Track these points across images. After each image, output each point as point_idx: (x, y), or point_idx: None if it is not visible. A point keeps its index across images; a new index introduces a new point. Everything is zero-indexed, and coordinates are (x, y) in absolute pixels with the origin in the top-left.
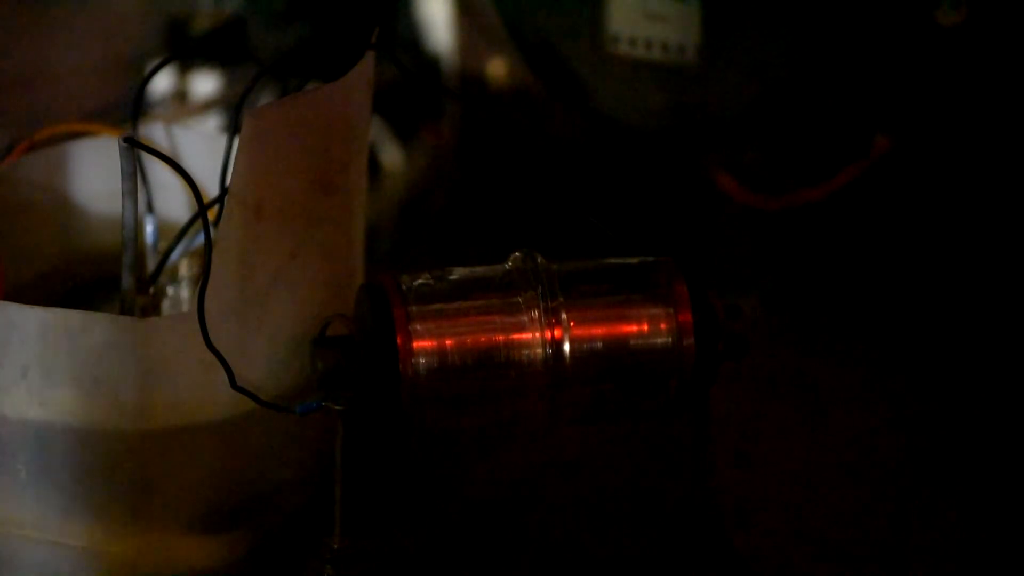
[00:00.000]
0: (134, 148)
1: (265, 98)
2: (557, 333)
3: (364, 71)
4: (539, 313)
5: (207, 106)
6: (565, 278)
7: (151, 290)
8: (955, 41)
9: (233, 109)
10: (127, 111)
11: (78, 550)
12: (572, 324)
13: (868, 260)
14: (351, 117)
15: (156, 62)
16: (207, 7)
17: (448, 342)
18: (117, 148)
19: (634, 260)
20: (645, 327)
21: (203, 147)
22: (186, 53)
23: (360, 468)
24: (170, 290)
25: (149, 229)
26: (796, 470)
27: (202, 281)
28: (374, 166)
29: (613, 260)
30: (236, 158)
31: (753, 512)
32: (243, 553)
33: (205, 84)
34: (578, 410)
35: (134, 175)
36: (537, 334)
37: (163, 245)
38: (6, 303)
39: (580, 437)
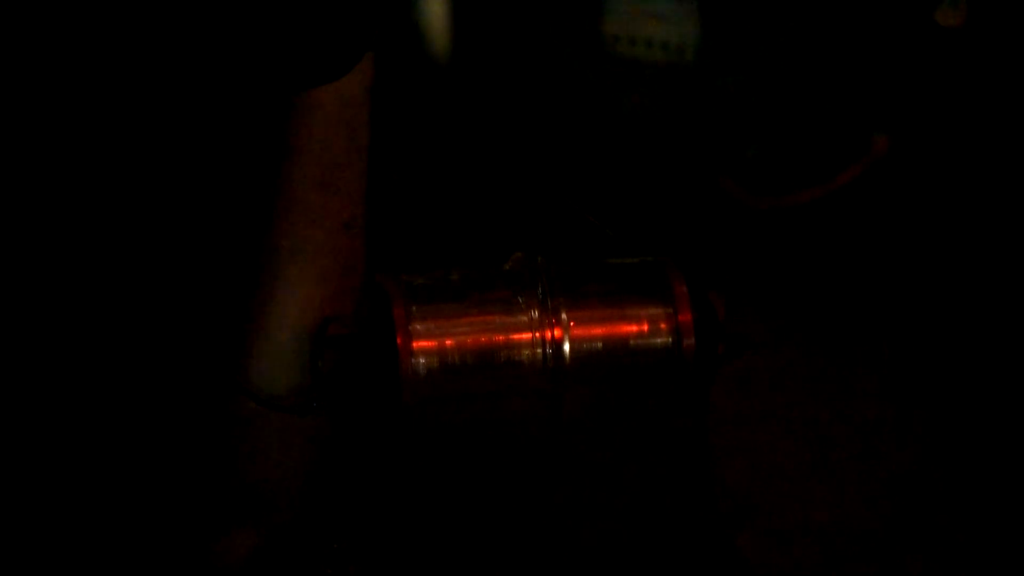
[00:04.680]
0: None
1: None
2: (557, 333)
3: (363, 72)
4: (539, 313)
5: None
6: (565, 278)
7: None
8: (954, 41)
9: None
10: None
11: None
12: (572, 324)
13: (868, 259)
14: (350, 117)
15: None
16: None
17: (448, 342)
18: None
19: (634, 260)
20: (645, 327)
21: None
22: None
23: (360, 468)
24: None
25: None
26: (797, 469)
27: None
28: None
29: (613, 260)
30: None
31: (753, 512)
32: (243, 553)
33: None
34: (578, 410)
35: None
36: (537, 334)
37: None
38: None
39: (580, 437)
